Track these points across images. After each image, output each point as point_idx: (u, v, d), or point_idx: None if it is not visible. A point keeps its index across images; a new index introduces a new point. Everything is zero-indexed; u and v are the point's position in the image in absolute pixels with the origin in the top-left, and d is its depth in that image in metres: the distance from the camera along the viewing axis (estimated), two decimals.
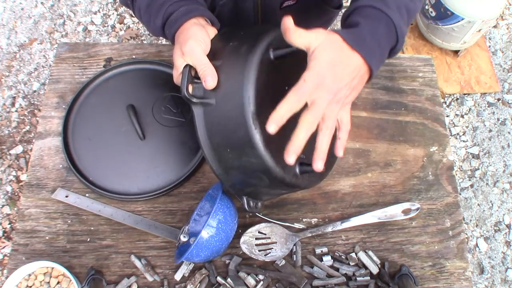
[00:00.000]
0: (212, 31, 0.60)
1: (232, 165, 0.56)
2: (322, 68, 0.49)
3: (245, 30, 0.60)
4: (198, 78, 0.55)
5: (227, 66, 0.55)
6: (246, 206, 0.61)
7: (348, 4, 0.63)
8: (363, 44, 0.52)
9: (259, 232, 0.70)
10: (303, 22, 0.82)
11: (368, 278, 0.69)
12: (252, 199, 0.62)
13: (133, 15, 0.75)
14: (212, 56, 0.56)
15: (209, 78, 0.53)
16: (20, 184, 1.59)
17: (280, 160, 0.54)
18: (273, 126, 0.48)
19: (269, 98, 0.54)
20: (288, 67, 0.58)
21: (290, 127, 0.57)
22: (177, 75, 0.57)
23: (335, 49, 0.51)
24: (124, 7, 1.94)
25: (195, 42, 0.56)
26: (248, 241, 0.69)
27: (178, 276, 0.68)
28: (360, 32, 0.54)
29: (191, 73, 0.56)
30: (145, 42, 1.88)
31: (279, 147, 0.54)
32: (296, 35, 0.51)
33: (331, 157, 0.68)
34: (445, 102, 1.82)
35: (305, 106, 0.55)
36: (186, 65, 0.55)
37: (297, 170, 0.58)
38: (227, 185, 0.60)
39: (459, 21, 1.62)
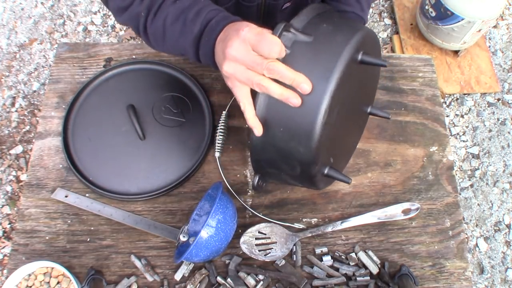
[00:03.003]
0: None
1: (275, 144, 0.54)
2: None
3: (338, 17, 0.58)
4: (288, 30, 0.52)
5: (317, 48, 0.52)
6: (255, 183, 0.62)
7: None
8: None
9: (259, 232, 0.70)
10: None
11: (368, 278, 0.69)
12: (262, 178, 0.62)
13: (139, 35, 0.72)
14: (303, 27, 0.54)
15: (305, 85, 0.50)
16: (20, 184, 1.59)
17: (322, 159, 0.55)
18: None
19: (339, 96, 0.52)
20: (359, 73, 0.57)
21: (342, 133, 0.58)
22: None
23: None
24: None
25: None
26: (248, 241, 0.69)
27: (178, 276, 0.68)
28: None
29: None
30: None
31: (328, 147, 0.55)
32: None
33: (345, 160, 0.70)
34: (445, 102, 1.82)
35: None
36: (286, 25, 0.52)
37: (326, 171, 0.58)
38: (253, 158, 0.58)
39: (459, 21, 1.62)
